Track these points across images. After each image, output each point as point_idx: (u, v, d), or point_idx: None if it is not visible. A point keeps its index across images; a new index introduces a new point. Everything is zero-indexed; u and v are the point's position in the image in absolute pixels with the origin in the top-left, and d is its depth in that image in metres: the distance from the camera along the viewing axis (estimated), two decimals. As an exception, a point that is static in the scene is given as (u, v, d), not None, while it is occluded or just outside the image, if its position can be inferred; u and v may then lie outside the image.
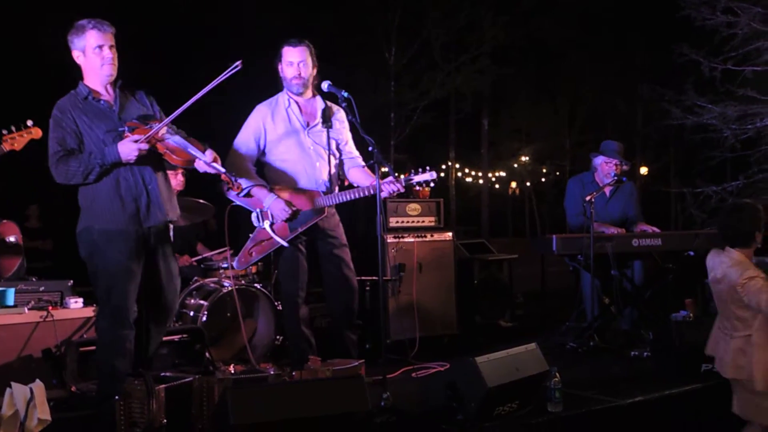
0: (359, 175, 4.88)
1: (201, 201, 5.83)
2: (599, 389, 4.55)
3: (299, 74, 4.68)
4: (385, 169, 4.52)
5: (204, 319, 5.33)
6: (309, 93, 4.80)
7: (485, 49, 19.44)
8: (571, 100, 26.93)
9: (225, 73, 3.78)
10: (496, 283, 7.33)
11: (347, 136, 4.94)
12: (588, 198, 5.79)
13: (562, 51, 24.50)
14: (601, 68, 23.79)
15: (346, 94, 4.39)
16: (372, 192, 4.57)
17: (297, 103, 4.77)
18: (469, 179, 32.64)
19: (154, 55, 11.84)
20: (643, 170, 25.58)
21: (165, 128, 3.93)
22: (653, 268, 6.41)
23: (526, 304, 8.13)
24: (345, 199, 4.65)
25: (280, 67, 4.74)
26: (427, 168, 4.60)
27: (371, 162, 4.39)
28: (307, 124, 4.76)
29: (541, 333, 6.49)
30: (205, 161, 3.93)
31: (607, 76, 23.85)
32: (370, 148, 4.33)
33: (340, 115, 4.89)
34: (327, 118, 4.78)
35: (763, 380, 3.94)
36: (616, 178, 6.20)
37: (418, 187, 4.64)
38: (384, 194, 4.50)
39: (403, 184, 4.54)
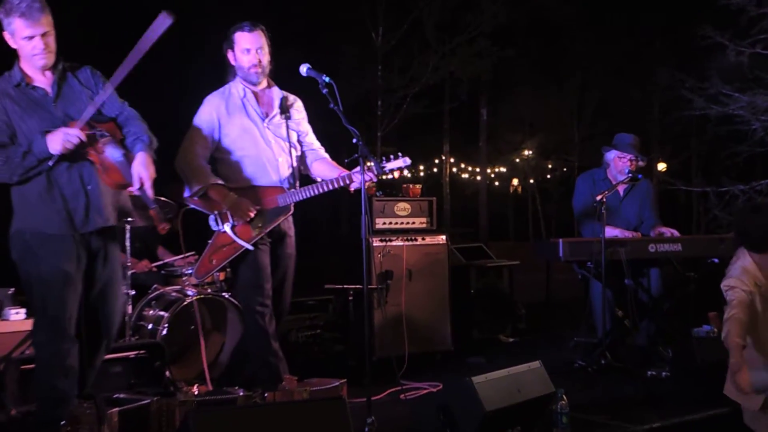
0: (323, 167, 4.94)
1: (162, 198, 5.78)
2: (611, 414, 4.54)
3: (259, 62, 4.70)
4: (370, 164, 4.51)
5: (164, 332, 5.28)
6: (265, 82, 4.84)
7: (484, 30, 19.47)
8: (580, 87, 27.02)
9: (153, 28, 3.67)
10: (496, 292, 7.32)
11: (307, 127, 5.01)
12: (599, 197, 5.79)
13: (569, 32, 24.56)
14: (613, 51, 23.86)
15: (327, 79, 4.39)
16: (340, 184, 4.64)
17: (253, 93, 4.80)
18: (465, 175, 32.68)
19: (114, 37, 11.75)
20: (661, 166, 25.67)
21: (109, 140, 3.83)
22: (673, 276, 6.41)
23: (530, 316, 8.12)
24: (311, 194, 4.70)
25: (231, 54, 4.75)
26: (399, 154, 4.63)
27: (356, 156, 4.39)
28: (266, 116, 4.79)
29: (546, 349, 6.49)
30: (135, 190, 3.84)
31: (621, 60, 23.93)
32: (354, 140, 4.33)
33: (298, 105, 4.96)
34: (285, 109, 4.84)
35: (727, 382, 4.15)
36: (630, 175, 6.20)
37: (390, 176, 4.67)
38: (355, 185, 4.59)
39: (376, 173, 4.57)
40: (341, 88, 4.43)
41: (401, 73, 18.40)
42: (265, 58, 4.73)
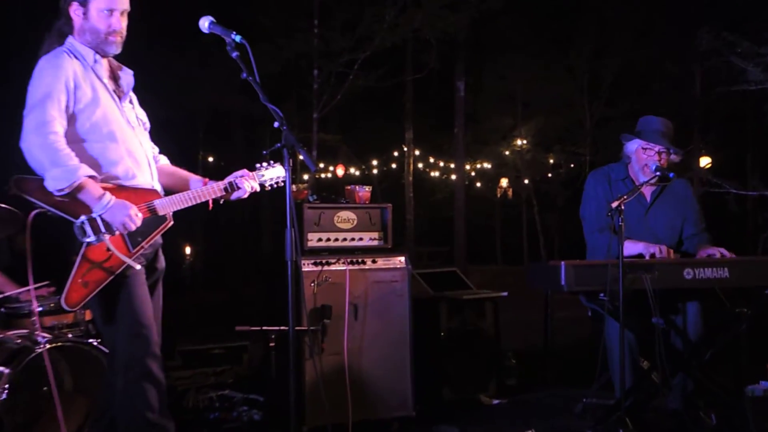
0: (167, 174, 5.14)
1: (3, 206, 5.71)
2: (633, 503, 4.57)
3: (121, 29, 4.82)
4: (300, 158, 4.55)
5: (3, 396, 5.21)
6: None
7: (460, -28, 19.55)
8: (592, 54, 27.21)
9: None
10: (475, 336, 7.34)
11: (147, 120, 5.17)
12: (616, 203, 5.81)
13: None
14: (637, 4, 24.09)
15: (238, 39, 4.43)
16: (222, 192, 4.88)
17: (101, 63, 4.89)
18: (435, 173, 32.79)
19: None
20: (704, 161, 25.94)
21: None
22: (717, 313, 6.46)
23: (522, 368, 8.15)
24: (188, 204, 4.84)
25: (79, 10, 4.79)
26: (271, 162, 4.99)
27: (278, 145, 4.42)
28: (118, 97, 4.90)
29: (545, 414, 6.51)
30: None
31: (648, 17, 24.16)
32: (276, 124, 4.34)
33: (132, 93, 5.09)
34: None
35: None
36: (659, 173, 6.24)
37: (269, 187, 4.94)
38: (240, 194, 4.88)
39: (258, 182, 4.96)
40: (261, 51, 4.45)
41: (346, 30, 18.37)
42: (125, 27, 4.86)
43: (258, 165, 4.97)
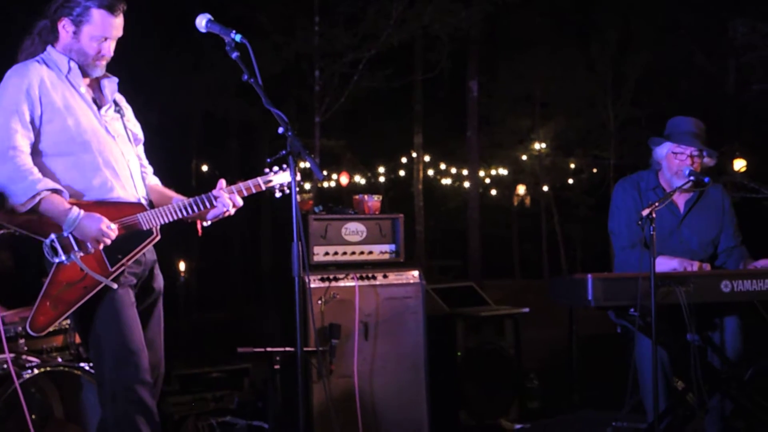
0: (159, 195, 5.13)
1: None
2: None
3: (110, 55, 4.88)
4: (306, 165, 4.55)
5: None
6: None
7: (473, -35, 19.56)
8: (616, 49, 27.15)
9: None
10: (495, 356, 7.33)
11: (140, 132, 5.18)
12: (647, 212, 5.80)
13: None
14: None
15: (238, 38, 4.44)
16: (206, 206, 4.83)
17: (76, 71, 4.89)
18: (447, 181, 32.77)
19: None
20: (738, 165, 25.86)
21: None
22: (758, 329, 6.45)
23: (545, 390, 8.14)
24: (175, 217, 4.82)
25: (69, 27, 4.79)
26: (284, 166, 4.82)
27: (282, 153, 4.41)
28: (98, 105, 4.92)
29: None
30: None
31: (676, 9, 24.13)
32: (280, 130, 4.35)
33: (125, 103, 5.13)
34: (117, 102, 5.04)
35: None
36: (692, 178, 6.22)
37: (279, 193, 4.88)
38: (215, 213, 4.85)
39: (262, 186, 4.87)
40: (260, 50, 4.45)
41: (349, 27, 18.37)
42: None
43: (266, 170, 4.89)
